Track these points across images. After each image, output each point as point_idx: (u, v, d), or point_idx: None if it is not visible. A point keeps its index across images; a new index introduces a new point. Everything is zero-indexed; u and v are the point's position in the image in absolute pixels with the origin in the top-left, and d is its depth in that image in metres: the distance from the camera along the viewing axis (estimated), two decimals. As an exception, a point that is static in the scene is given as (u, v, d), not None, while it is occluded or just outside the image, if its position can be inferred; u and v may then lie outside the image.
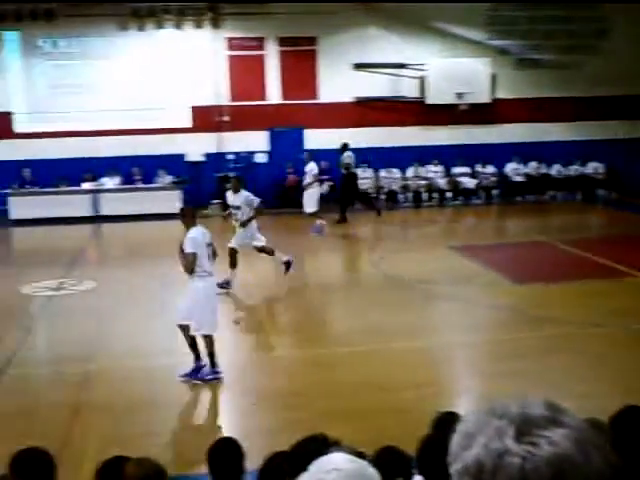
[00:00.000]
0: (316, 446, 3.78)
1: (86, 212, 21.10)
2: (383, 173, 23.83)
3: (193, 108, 23.05)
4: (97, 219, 21.06)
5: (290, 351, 10.48)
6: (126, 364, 9.67)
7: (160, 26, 22.52)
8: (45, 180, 21.67)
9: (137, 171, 22.21)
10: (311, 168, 19.35)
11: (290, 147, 23.19)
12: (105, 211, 21.18)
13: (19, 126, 22.61)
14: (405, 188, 23.90)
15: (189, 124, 23.09)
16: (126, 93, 22.60)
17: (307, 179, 19.40)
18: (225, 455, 4.39)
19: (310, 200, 19.18)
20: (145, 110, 22.52)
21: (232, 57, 23.21)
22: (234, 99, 23.21)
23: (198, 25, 22.66)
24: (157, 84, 22.73)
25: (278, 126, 23.31)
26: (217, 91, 23.06)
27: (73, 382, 9.08)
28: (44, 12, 21.70)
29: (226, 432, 7.21)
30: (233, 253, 13.44)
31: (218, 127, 23.12)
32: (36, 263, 16.57)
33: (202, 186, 22.87)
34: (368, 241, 19.69)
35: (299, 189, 20.55)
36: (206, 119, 22.90)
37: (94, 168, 21.88)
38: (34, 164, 21.79)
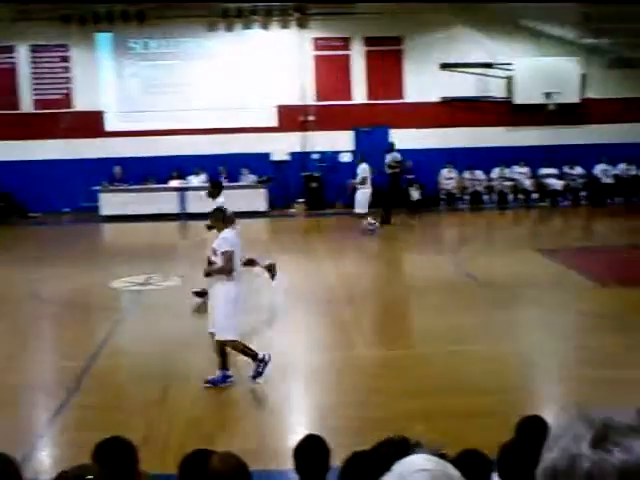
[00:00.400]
0: (397, 447, 3.76)
1: (173, 209, 21.48)
2: (467, 174, 23.58)
3: (279, 107, 23.24)
4: (184, 216, 21.41)
5: (372, 351, 10.46)
6: (209, 359, 9.79)
7: (248, 26, 22.78)
8: (134, 178, 22.19)
9: (222, 170, 22.50)
10: (363, 169, 19.16)
11: (375, 147, 23.14)
12: (191, 208, 21.49)
13: (110, 125, 23.20)
14: (490, 189, 23.60)
15: (275, 123, 23.28)
16: (214, 93, 22.93)
17: (357, 180, 19.24)
18: (311, 452, 4.38)
19: (361, 201, 18.99)
20: (232, 109, 22.81)
21: (318, 57, 23.32)
22: (319, 99, 23.30)
23: (285, 25, 22.83)
24: (244, 84, 23.00)
25: (363, 126, 23.31)
26: (303, 91, 23.19)
27: (158, 375, 9.24)
28: (136, 14, 22.19)
29: (307, 429, 7.24)
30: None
31: (303, 126, 23.25)
32: (125, 258, 16.97)
33: (287, 185, 23.06)
34: (451, 242, 19.52)
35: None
36: (292, 118, 23.06)
37: (181, 166, 22.28)
38: (124, 162, 22.32)
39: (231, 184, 22.12)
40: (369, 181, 19.05)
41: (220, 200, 12.22)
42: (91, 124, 22.85)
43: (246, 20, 22.71)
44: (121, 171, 22.40)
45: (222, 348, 8.80)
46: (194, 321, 11.92)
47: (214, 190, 12.38)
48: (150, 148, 22.29)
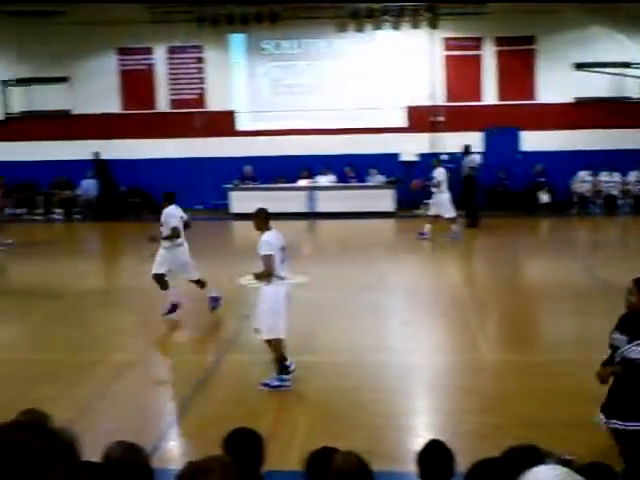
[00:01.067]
0: (527, 456, 3.68)
1: (302, 208, 21.73)
2: (603, 177, 22.82)
3: (408, 108, 23.16)
4: (312, 215, 21.63)
5: (496, 355, 10.29)
6: (334, 358, 9.88)
7: (378, 27, 22.79)
8: (264, 176, 22.60)
9: (349, 170, 22.62)
10: (439, 172, 18.76)
11: (505, 148, 22.77)
12: (320, 208, 21.72)
13: (241, 124, 23.70)
14: (625, 193, 22.77)
15: (404, 124, 23.22)
16: (343, 93, 23.07)
17: (433, 183, 18.91)
18: (436, 458, 4.34)
19: (445, 205, 18.61)
20: (361, 110, 22.89)
21: (448, 57, 23.11)
22: (449, 99, 23.09)
23: (415, 26, 22.72)
24: (374, 84, 23.04)
25: (493, 127, 22.94)
26: (433, 91, 23.03)
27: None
28: (269, 15, 22.56)
29: (428, 433, 7.20)
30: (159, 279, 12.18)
31: (432, 127, 23.10)
32: (253, 256, 17.25)
33: (414, 186, 22.98)
34: (582, 246, 18.97)
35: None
36: (421, 119, 22.95)
37: (310, 166, 22.52)
38: (254, 161, 22.76)
39: (359, 184, 22.26)
40: (445, 185, 18.69)
41: (170, 209, 12.32)
42: (223, 124, 23.41)
43: (376, 20, 22.73)
44: (251, 170, 22.85)
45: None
46: (319, 319, 12.04)
47: (164, 201, 12.52)
48: (280, 147, 22.64)
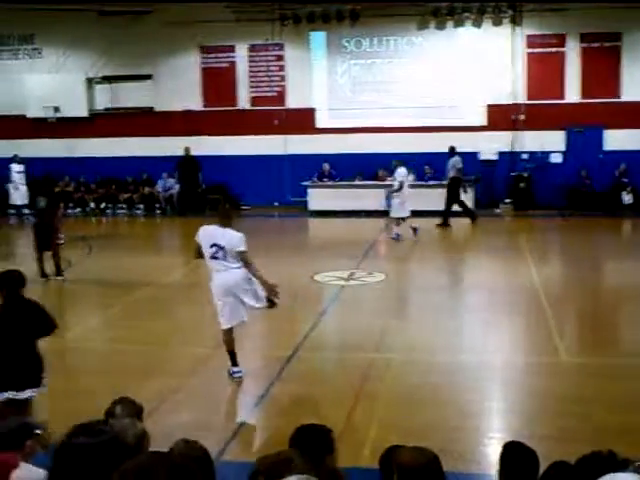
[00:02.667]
0: (604, 463, 3.62)
1: (379, 206, 21.70)
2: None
3: (488, 106, 22.90)
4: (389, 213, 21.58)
5: (575, 357, 10.10)
6: (410, 357, 9.86)
7: (459, 24, 22.60)
8: (342, 174, 22.65)
9: (428, 168, 22.50)
10: (400, 173, 18.68)
11: (587, 147, 22.33)
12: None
13: (321, 122, 23.79)
14: None
15: (484, 122, 22.97)
16: (423, 91, 22.96)
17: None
18: (519, 460, 4.28)
19: (399, 205, 18.69)
20: (441, 108, 22.75)
21: (530, 55, 22.75)
22: (530, 97, 22.75)
23: (497, 23, 22.44)
24: (454, 82, 22.86)
25: (575, 125, 22.51)
26: (514, 89, 22.73)
27: (358, 369, 9.40)
28: (349, 13, 22.60)
29: (504, 435, 7.13)
30: None
31: (513, 126, 22.80)
32: (330, 253, 17.37)
33: (494, 185, 22.72)
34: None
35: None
36: (501, 117, 22.67)
37: (388, 164, 22.46)
38: (333, 158, 22.84)
39: (436, 183, 22.12)
40: (406, 186, 18.72)
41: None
42: (303, 121, 23.55)
43: (458, 18, 22.54)
44: (329, 167, 22.93)
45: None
46: (395, 317, 12.04)
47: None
48: (358, 145, 22.66)
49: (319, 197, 22.35)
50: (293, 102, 23.90)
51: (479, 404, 8.48)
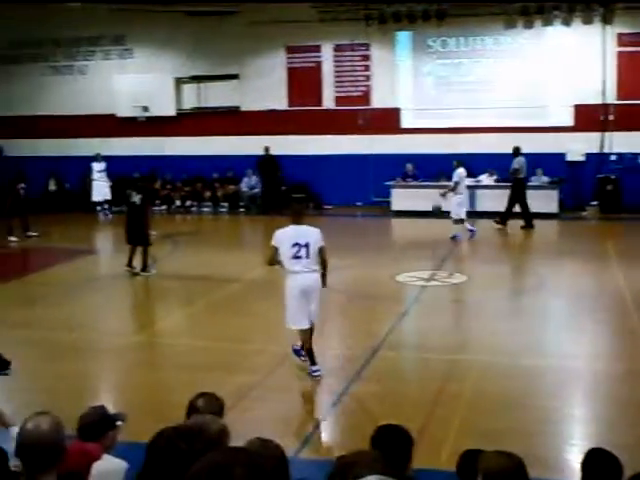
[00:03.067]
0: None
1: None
2: None
3: (576, 106, 22.44)
4: (473, 214, 21.36)
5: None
6: (491, 360, 9.76)
7: (548, 23, 22.20)
8: (425, 174, 22.52)
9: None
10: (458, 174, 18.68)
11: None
12: (480, 207, 21.42)
13: (405, 122, 23.71)
14: None
15: (571, 123, 22.52)
16: (509, 91, 22.65)
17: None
18: (602, 468, 4.19)
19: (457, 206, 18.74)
20: (527, 108, 22.39)
21: (621, 53, 22.19)
22: (620, 97, 22.19)
23: (587, 21, 21.94)
24: (541, 82, 22.48)
25: (667, 126, 21.87)
26: (603, 89, 22.21)
27: (438, 371, 9.36)
28: (435, 13, 22.45)
29: (585, 443, 6.99)
30: None
31: (602, 126, 22.28)
32: (411, 253, 17.32)
33: (580, 187, 22.26)
34: None
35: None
36: (589, 118, 22.19)
37: (472, 164, 22.23)
38: (416, 158, 22.73)
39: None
40: (463, 186, 18.81)
41: None
42: (387, 121, 23.51)
43: (547, 16, 22.14)
44: (413, 167, 22.83)
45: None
46: (476, 319, 11.94)
47: None
48: (442, 145, 22.48)
49: (402, 197, 22.27)
50: (378, 102, 23.87)
51: (560, 410, 8.34)
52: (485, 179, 22.30)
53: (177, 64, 24.77)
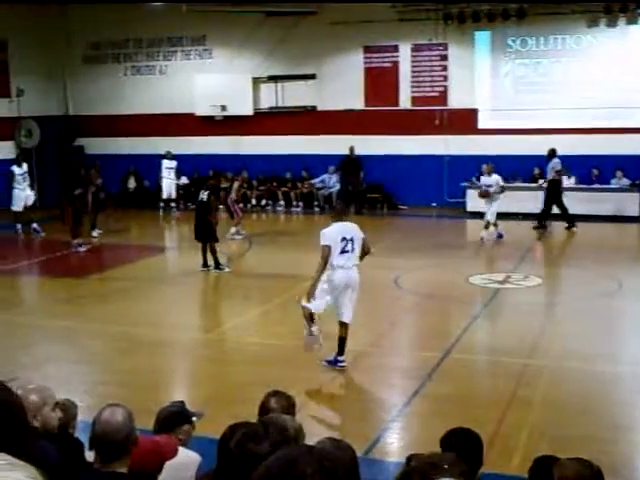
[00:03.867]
0: None
1: (535, 208, 21.14)
2: None
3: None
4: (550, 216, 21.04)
5: None
6: (564, 364, 9.62)
7: (632, 22, 21.68)
8: (502, 175, 22.20)
9: (594, 171, 21.78)
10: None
11: None
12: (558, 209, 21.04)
13: (482, 122, 23.47)
14: None
15: (655, 124, 21.94)
16: (591, 91, 22.20)
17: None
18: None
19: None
20: (609, 109, 21.91)
21: None
22: None
23: (673, 20, 21.36)
24: (624, 82, 21.96)
25: None
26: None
27: (510, 374, 9.26)
28: (516, 12, 22.16)
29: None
30: None
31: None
32: (486, 255, 17.16)
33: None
34: None
35: None
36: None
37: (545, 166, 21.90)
38: (493, 159, 22.41)
39: (600, 187, 21.40)
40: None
41: None
42: (464, 121, 23.29)
43: (631, 15, 21.63)
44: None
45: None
46: (550, 322, 11.76)
47: None
48: (520, 147, 22.17)
49: (477, 198, 22.00)
50: (455, 102, 23.67)
51: (634, 417, 8.17)
52: (565, 181, 21.89)
53: (255, 64, 25.00)
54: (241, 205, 21.72)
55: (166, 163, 24.08)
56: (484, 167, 19.10)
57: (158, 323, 12.14)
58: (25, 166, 21.17)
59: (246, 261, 16.76)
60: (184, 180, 25.33)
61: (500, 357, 10.05)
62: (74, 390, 7.85)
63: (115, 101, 26.39)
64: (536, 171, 22.05)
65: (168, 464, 4.48)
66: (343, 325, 9.51)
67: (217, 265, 15.21)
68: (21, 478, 1.48)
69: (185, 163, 24.96)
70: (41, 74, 25.93)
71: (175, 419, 5.06)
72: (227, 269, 15.29)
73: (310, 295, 9.29)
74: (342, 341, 9.47)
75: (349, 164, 23.70)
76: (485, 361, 10.37)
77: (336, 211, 10.11)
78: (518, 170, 22.12)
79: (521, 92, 23.08)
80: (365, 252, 9.49)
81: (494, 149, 22.44)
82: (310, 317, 9.38)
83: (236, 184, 19.93)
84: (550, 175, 20.02)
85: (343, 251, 9.26)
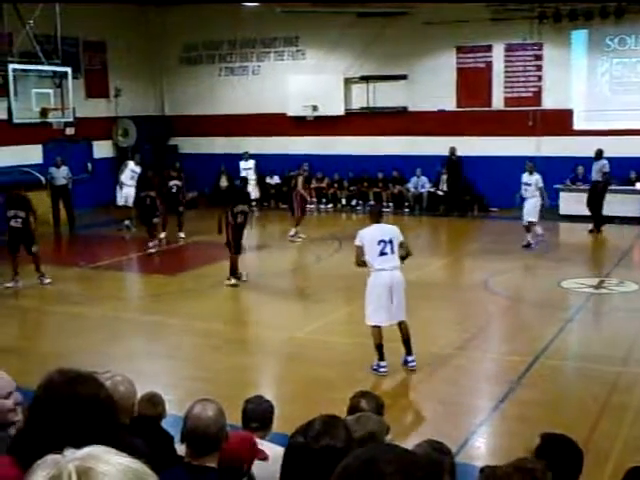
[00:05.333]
0: None
1: (636, 212, 20.59)
2: None
3: None
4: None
5: None
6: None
7: None
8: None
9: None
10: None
11: None
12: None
13: (578, 123, 22.96)
14: None
15: None
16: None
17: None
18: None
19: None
20: None
21: None
22: None
23: None
24: None
25: None
26: None
27: (603, 381, 9.03)
28: (614, 10, 21.61)
29: None
30: None
31: None
32: (579, 259, 16.78)
33: None
34: None
35: None
36: None
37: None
38: (588, 161, 21.91)
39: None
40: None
41: None
42: (558, 122, 22.83)
43: None
44: (584, 170, 22.04)
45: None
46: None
47: None
48: (617, 148, 21.58)
49: (571, 201, 21.53)
50: (549, 103, 23.22)
51: None
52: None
53: (347, 64, 25.05)
54: (312, 204, 21.24)
55: (243, 164, 24.14)
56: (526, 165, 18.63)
57: (246, 321, 12.30)
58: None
59: (335, 261, 16.79)
60: (276, 179, 25.60)
61: (593, 364, 9.80)
62: (162, 384, 8.01)
63: (209, 101, 26.83)
64: (632, 175, 21.43)
65: (273, 456, 4.52)
66: (401, 325, 9.42)
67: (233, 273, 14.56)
68: (134, 462, 1.52)
69: (276, 163, 25.21)
70: (138, 75, 26.61)
71: (272, 417, 5.13)
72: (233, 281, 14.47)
73: None
74: (406, 341, 9.42)
75: (450, 165, 23.48)
76: (577, 367, 10.14)
77: (372, 212, 10.06)
78: (613, 173, 21.53)
79: (618, 92, 22.50)
80: (406, 255, 9.42)
81: (589, 151, 21.90)
82: (380, 346, 9.33)
83: (300, 179, 19.63)
84: (597, 176, 19.55)
85: (382, 253, 9.19)
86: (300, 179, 19.60)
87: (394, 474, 1.83)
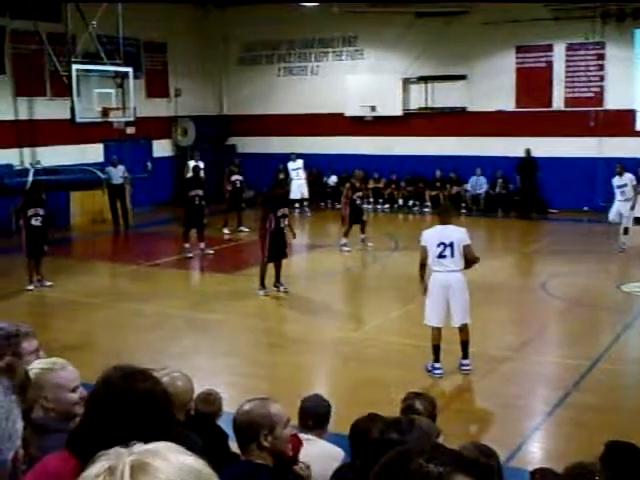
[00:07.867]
0: None
1: None
2: None
3: None
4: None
5: None
6: None
7: None
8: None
9: None
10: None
11: None
12: None
13: (640, 124, 22.58)
14: None
15: None
16: None
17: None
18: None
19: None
20: None
21: None
22: None
23: None
24: None
25: None
26: None
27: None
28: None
29: None
30: None
31: None
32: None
33: None
34: None
35: None
36: None
37: None
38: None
39: None
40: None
41: None
42: (620, 123, 22.45)
43: None
44: (641, 172, 21.64)
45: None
46: None
47: None
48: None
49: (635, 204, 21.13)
50: (611, 103, 22.84)
51: None
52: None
53: (405, 64, 24.97)
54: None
55: (291, 165, 24.00)
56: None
57: (302, 319, 12.34)
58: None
59: (391, 261, 16.77)
60: (333, 179, 25.64)
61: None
62: (219, 382, 8.09)
63: (267, 101, 26.98)
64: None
65: (319, 454, 4.56)
66: (461, 328, 9.33)
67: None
68: (196, 461, 1.54)
69: (334, 162, 25.25)
70: (198, 75, 26.90)
71: (328, 417, 5.16)
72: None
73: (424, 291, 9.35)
74: (464, 344, 9.34)
75: (525, 165, 23.23)
76: (636, 373, 9.97)
77: (439, 212, 9.94)
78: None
79: (683, 92, 22.04)
80: (470, 261, 9.17)
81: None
82: (436, 347, 9.30)
83: (347, 185, 18.17)
84: None
85: (440, 256, 9.09)
86: (347, 186, 18.13)
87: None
